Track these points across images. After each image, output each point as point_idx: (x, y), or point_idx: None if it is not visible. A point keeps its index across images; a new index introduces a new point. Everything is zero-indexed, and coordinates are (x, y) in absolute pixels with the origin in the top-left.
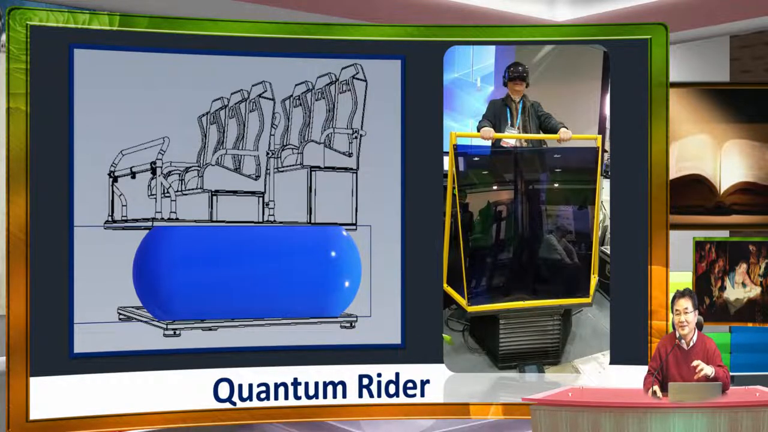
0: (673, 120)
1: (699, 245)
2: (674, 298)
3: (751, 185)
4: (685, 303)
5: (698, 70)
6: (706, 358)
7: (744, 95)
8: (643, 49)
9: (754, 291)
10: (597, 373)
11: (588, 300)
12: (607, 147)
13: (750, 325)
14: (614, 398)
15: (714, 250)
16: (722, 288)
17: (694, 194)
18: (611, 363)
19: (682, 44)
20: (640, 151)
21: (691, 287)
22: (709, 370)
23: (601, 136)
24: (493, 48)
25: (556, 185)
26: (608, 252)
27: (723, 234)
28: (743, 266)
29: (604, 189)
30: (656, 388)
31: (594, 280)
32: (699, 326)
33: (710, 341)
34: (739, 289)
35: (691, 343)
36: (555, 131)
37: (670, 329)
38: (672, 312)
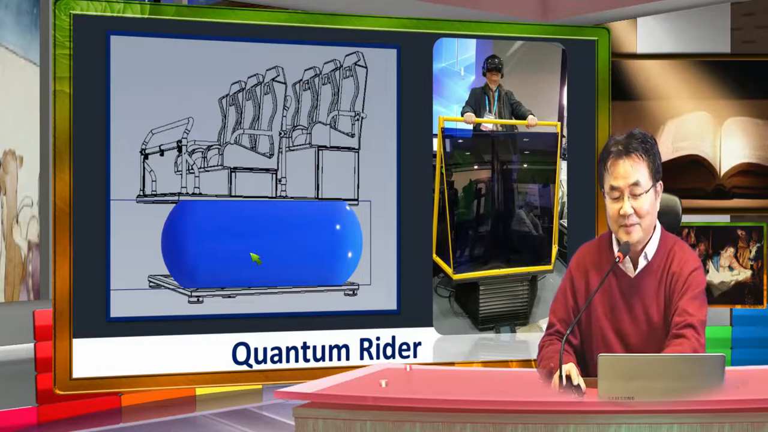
0: (669, 96)
1: None
2: (604, 157)
3: (754, 167)
4: (633, 169)
5: (696, 40)
6: (673, 288)
7: (746, 68)
8: (592, 49)
9: (744, 274)
10: None
11: (550, 267)
12: (565, 132)
13: (739, 307)
14: (481, 391)
15: (693, 235)
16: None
17: (692, 176)
18: None
19: (679, 12)
20: (590, 137)
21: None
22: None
23: (560, 123)
24: (474, 41)
25: (525, 166)
26: (566, 225)
27: (724, 219)
28: (730, 250)
29: (562, 170)
30: (571, 368)
31: (555, 249)
32: (674, 221)
33: (689, 254)
34: (725, 273)
35: (643, 262)
36: (524, 117)
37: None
38: (604, 193)
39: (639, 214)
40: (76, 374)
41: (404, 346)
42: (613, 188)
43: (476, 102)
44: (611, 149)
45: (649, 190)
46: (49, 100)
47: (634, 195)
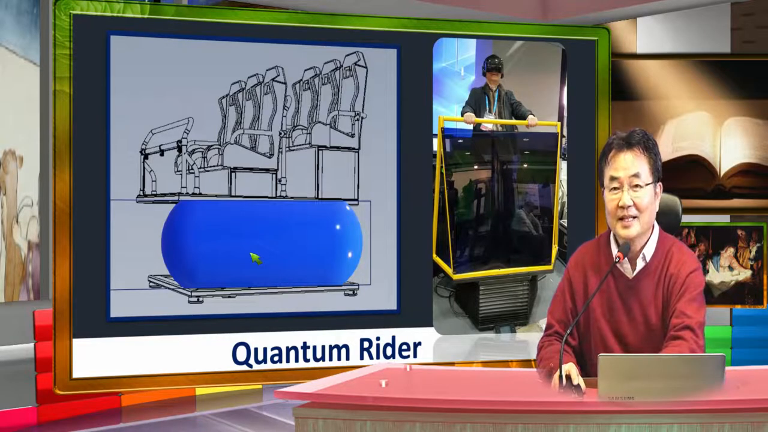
0: (669, 96)
1: None
2: (606, 150)
3: (754, 167)
4: (634, 161)
5: (696, 41)
6: (671, 290)
7: (746, 68)
8: (592, 49)
9: (744, 274)
10: None
11: (550, 267)
12: (565, 132)
13: (739, 307)
14: (481, 391)
15: (693, 235)
16: (704, 272)
17: (692, 176)
18: None
19: (679, 12)
20: (590, 137)
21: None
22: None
23: (560, 123)
24: (474, 41)
25: (525, 166)
26: (566, 225)
27: (724, 219)
28: (730, 250)
29: (562, 170)
30: (570, 368)
31: (554, 249)
32: (674, 221)
33: (687, 255)
34: (725, 273)
35: (641, 264)
36: (524, 118)
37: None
38: (602, 185)
39: (638, 207)
40: (76, 374)
41: (404, 346)
42: (612, 179)
43: (476, 102)
44: (613, 142)
45: (649, 185)
46: (49, 100)
47: (633, 187)
